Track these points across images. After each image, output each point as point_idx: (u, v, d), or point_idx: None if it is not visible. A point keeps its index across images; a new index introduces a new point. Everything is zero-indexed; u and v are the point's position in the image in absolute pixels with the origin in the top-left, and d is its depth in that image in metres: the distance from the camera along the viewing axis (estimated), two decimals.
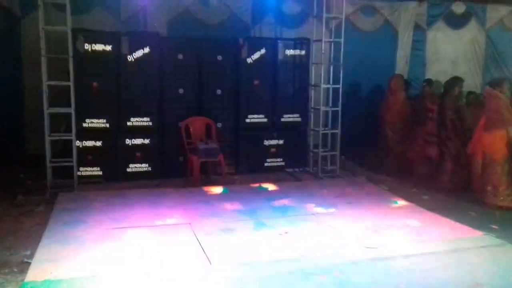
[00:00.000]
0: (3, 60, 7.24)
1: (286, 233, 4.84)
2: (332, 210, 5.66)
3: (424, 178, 7.14)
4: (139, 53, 6.69)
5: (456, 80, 6.93)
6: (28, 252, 4.31)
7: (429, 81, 7.77)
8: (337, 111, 7.51)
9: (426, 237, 4.84)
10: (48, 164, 6.12)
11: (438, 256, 4.34)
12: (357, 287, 3.65)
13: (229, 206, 5.71)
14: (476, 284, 3.78)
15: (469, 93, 7.59)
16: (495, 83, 6.16)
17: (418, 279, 3.84)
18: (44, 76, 6.02)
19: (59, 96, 6.40)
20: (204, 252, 4.32)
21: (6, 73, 7.28)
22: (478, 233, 4.95)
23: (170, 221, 5.16)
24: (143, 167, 6.87)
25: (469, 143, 6.41)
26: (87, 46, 6.46)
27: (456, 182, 6.63)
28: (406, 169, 7.51)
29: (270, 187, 6.63)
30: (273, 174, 7.32)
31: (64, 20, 6.06)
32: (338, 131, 7.53)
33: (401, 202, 6.05)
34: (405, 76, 8.77)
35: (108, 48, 6.57)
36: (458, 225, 5.20)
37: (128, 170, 6.80)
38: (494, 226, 5.23)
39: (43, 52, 6.00)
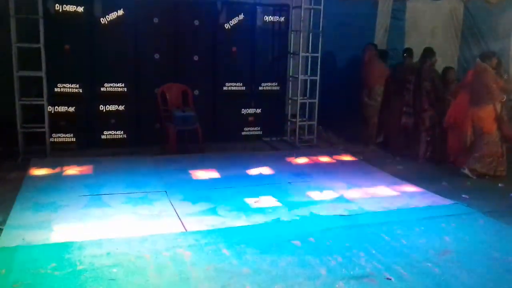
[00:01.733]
0: None
1: (257, 201, 4.86)
2: (308, 179, 5.70)
3: (400, 148, 7.23)
4: (112, 16, 6.47)
5: (429, 52, 6.94)
6: (0, 218, 4.22)
7: (409, 51, 7.73)
8: (316, 80, 7.47)
9: (398, 205, 4.94)
10: (19, 130, 5.95)
11: (409, 223, 4.44)
12: (330, 252, 3.71)
13: (205, 174, 5.69)
14: (445, 250, 3.89)
15: (447, 68, 7.53)
16: (485, 57, 6.21)
17: (389, 245, 3.94)
18: (14, 38, 5.79)
19: (29, 59, 6.15)
20: (180, 219, 4.31)
21: None
22: (448, 202, 5.08)
23: (146, 189, 5.12)
24: (118, 134, 6.75)
25: (446, 115, 6.49)
26: (58, 7, 6.21)
27: (430, 153, 6.74)
28: (384, 139, 7.58)
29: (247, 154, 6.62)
30: (250, 143, 7.31)
31: None
32: (316, 100, 7.52)
33: (375, 171, 6.14)
34: (384, 46, 8.75)
35: (80, 9, 6.33)
36: (430, 194, 5.32)
37: (103, 137, 6.68)
38: (464, 196, 5.37)
39: (11, 12, 5.74)
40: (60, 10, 6.21)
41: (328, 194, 5.17)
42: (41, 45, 5.88)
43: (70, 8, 6.25)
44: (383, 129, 7.67)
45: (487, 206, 4.98)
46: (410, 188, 5.51)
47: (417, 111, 6.85)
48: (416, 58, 7.66)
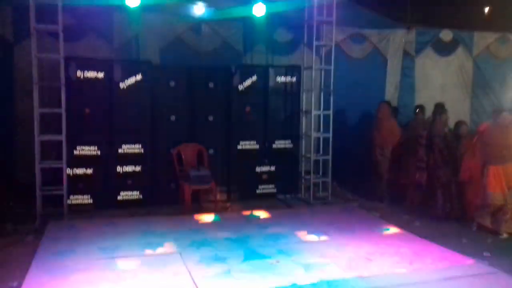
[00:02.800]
0: None
1: (277, 262, 4.80)
2: (324, 238, 5.64)
3: (415, 204, 7.15)
4: (131, 80, 6.74)
5: (440, 108, 7.03)
6: (16, 283, 4.23)
7: (421, 108, 7.82)
8: (328, 137, 7.56)
9: (418, 265, 4.83)
10: (38, 193, 6.05)
11: (430, 285, 4.32)
12: None
13: (220, 234, 5.66)
14: None
15: (459, 122, 7.54)
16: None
17: None
18: (36, 104, 6.02)
19: (50, 123, 6.39)
20: (194, 282, 4.26)
21: None
22: (470, 261, 4.95)
23: (160, 250, 5.11)
24: (134, 194, 6.83)
25: (461, 170, 6.45)
26: (79, 73, 6.49)
27: (447, 209, 6.65)
28: (398, 195, 7.53)
29: (262, 214, 6.61)
30: (265, 201, 7.31)
31: (56, 47, 6.09)
32: (329, 157, 7.56)
33: (393, 229, 6.05)
34: (395, 102, 8.90)
35: (101, 75, 6.61)
36: (450, 253, 5.20)
37: (119, 198, 6.76)
38: (486, 253, 5.24)
39: (35, 79, 6.00)
40: (82, 77, 6.49)
41: (345, 253, 5.09)
42: (62, 110, 6.09)
43: (91, 74, 6.54)
44: (397, 185, 7.62)
45: (511, 265, 4.83)
46: (429, 246, 5.39)
47: (431, 167, 6.82)
48: (427, 113, 7.77)
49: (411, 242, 5.54)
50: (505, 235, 5.91)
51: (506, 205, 5.95)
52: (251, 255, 4.99)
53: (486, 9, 10.00)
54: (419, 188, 7.12)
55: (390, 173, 7.60)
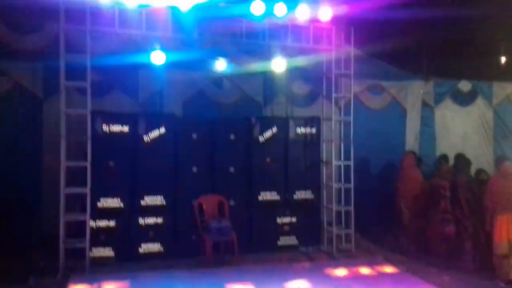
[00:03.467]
0: (23, 141, 7.46)
1: None
2: None
3: (442, 257, 6.94)
4: (155, 133, 6.89)
5: (464, 161, 6.96)
6: None
7: (445, 158, 7.75)
8: (350, 187, 7.50)
9: None
10: (61, 246, 6.07)
11: None
12: None
13: None
14: None
15: (479, 170, 7.47)
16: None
17: None
18: (63, 157, 6.15)
19: (76, 176, 6.51)
20: None
21: (26, 154, 7.44)
22: None
23: None
24: (156, 247, 6.80)
25: (487, 220, 6.29)
26: (105, 127, 6.67)
27: (477, 261, 6.43)
28: (423, 247, 7.33)
29: (284, 266, 6.47)
30: (286, 253, 7.18)
31: (84, 102, 6.31)
32: (351, 208, 7.47)
33: (420, 283, 5.85)
34: (416, 152, 8.83)
35: (126, 128, 6.78)
36: None
37: (141, 250, 6.73)
38: None
39: (62, 134, 6.18)
40: (107, 130, 6.67)
41: None
42: (88, 163, 6.22)
43: (116, 128, 6.72)
44: (423, 237, 7.44)
45: None
46: None
47: (458, 218, 6.67)
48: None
49: None
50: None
51: (510, 255, 5.90)
52: None
53: (503, 60, 10.09)
54: (447, 241, 6.93)
55: (415, 225, 7.43)
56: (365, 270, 6.38)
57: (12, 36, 6.97)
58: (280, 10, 6.56)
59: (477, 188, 6.70)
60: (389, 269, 6.51)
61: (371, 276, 6.16)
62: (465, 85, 9.77)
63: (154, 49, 6.71)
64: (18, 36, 7.03)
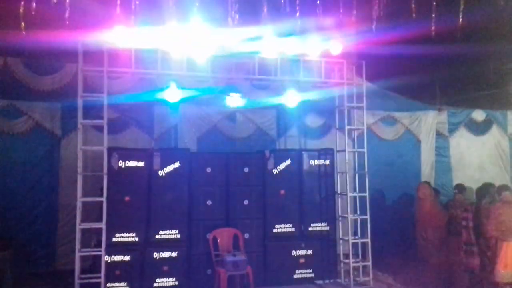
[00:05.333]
0: (41, 177, 7.65)
1: None
2: None
3: None
4: (169, 168, 6.98)
5: (488, 186, 6.87)
6: None
7: (460, 188, 7.66)
8: (366, 219, 7.42)
9: None
10: (77, 281, 6.08)
11: None
12: None
13: None
14: None
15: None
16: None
17: None
18: (79, 193, 6.26)
19: (91, 211, 6.60)
20: None
21: (44, 190, 7.64)
22: None
23: None
24: (170, 281, 6.75)
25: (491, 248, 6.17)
26: (121, 163, 6.79)
27: None
28: (445, 280, 7.12)
29: None
30: (302, 286, 7.07)
31: (100, 139, 6.48)
32: (368, 239, 7.36)
33: None
34: (432, 182, 8.74)
35: (141, 164, 6.88)
36: None
37: (155, 284, 6.69)
38: None
39: (79, 170, 6.31)
40: (123, 166, 6.78)
41: None
42: (104, 198, 6.31)
43: (131, 163, 6.82)
44: (444, 269, 7.25)
45: None
46: None
47: (482, 249, 6.52)
48: (471, 193, 7.55)
49: None
50: None
51: None
52: None
53: None
54: (471, 273, 6.74)
55: (435, 257, 7.25)
56: None
57: (31, 77, 7.28)
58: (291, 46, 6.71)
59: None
60: None
61: None
62: (479, 114, 9.76)
63: (169, 87, 6.89)
64: (38, 77, 7.34)
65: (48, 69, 7.38)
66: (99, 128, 6.62)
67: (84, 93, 6.40)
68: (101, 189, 6.38)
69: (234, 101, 8.34)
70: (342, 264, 7.51)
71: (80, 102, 6.35)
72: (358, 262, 7.43)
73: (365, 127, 7.72)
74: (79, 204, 6.26)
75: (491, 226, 6.12)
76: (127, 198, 6.74)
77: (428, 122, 9.44)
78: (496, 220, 6.05)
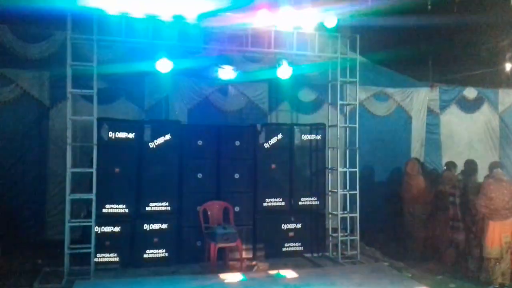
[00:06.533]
0: (30, 147, 7.55)
1: None
2: None
3: (451, 264, 6.89)
4: (160, 140, 6.91)
5: (474, 167, 6.94)
6: None
7: (449, 165, 7.72)
8: (355, 194, 7.48)
9: None
10: (66, 251, 6.09)
11: None
12: None
13: None
14: None
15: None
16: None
17: None
18: (69, 164, 6.20)
19: (81, 182, 6.56)
20: None
21: (33, 160, 7.55)
22: None
23: None
24: (160, 252, 6.80)
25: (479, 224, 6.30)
26: (111, 134, 6.70)
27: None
28: (431, 255, 7.27)
29: (289, 274, 6.45)
30: (291, 259, 7.16)
31: (90, 109, 6.37)
32: (357, 214, 7.44)
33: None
34: (421, 159, 8.81)
35: (131, 135, 6.81)
36: None
37: (145, 256, 6.73)
38: None
39: (69, 140, 6.22)
40: (113, 137, 6.70)
41: None
42: (94, 169, 6.25)
43: (122, 134, 6.74)
44: (430, 244, 7.40)
45: None
46: None
47: (468, 225, 6.63)
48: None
49: None
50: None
51: (502, 259, 5.97)
52: None
53: (508, 67, 10.10)
54: (456, 247, 6.89)
55: (421, 231, 7.38)
56: (370, 277, 6.34)
57: (19, 44, 7.09)
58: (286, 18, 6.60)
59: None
60: (394, 276, 6.47)
61: (376, 281, 6.11)
62: (471, 92, 9.77)
63: (160, 57, 6.76)
64: (26, 45, 7.16)
65: (36, 36, 7.19)
66: (89, 98, 6.50)
67: (73, 61, 6.25)
68: (91, 160, 6.32)
69: (226, 73, 8.24)
70: (330, 238, 7.60)
71: (68, 71, 6.21)
72: (346, 236, 7.53)
73: (357, 103, 7.68)
74: (68, 175, 6.21)
75: (480, 202, 6.18)
76: (117, 170, 6.69)
77: (420, 98, 9.44)
78: (486, 197, 6.12)
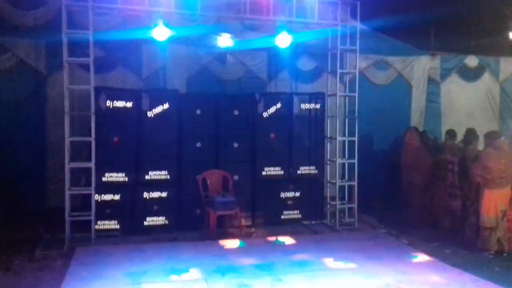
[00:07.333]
0: (28, 117, 7.53)
1: None
2: (351, 265, 5.54)
3: (447, 231, 6.98)
4: (158, 109, 6.89)
5: (473, 135, 6.93)
6: None
7: (451, 133, 7.71)
8: (354, 163, 7.50)
9: None
10: (67, 218, 6.17)
11: None
12: None
13: (245, 260, 5.63)
14: None
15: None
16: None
17: None
18: (67, 133, 6.20)
19: (80, 151, 6.57)
20: None
21: (31, 129, 7.54)
22: None
23: (186, 276, 5.11)
24: (160, 220, 6.88)
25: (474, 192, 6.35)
26: (108, 103, 6.68)
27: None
28: (428, 222, 7.36)
29: (287, 240, 6.55)
30: (290, 227, 7.26)
31: (87, 78, 6.32)
32: (355, 183, 7.49)
33: (422, 257, 5.90)
34: (421, 128, 8.80)
35: (129, 104, 6.79)
36: (482, 282, 5.02)
37: (145, 223, 6.82)
38: None
39: (66, 109, 6.21)
40: (111, 106, 6.68)
41: (373, 281, 4.98)
42: (92, 138, 6.26)
43: (120, 103, 6.72)
44: (427, 211, 7.47)
45: None
46: (461, 276, 5.22)
47: (465, 193, 6.68)
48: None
49: (441, 271, 5.39)
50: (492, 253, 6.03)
51: (497, 227, 6.03)
52: (276, 282, 4.93)
53: (511, 35, 9.94)
54: (452, 214, 6.97)
55: (419, 199, 7.45)
56: (367, 243, 6.44)
57: (14, 11, 6.96)
58: None
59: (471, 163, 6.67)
60: (390, 242, 6.58)
61: (373, 248, 6.22)
62: (472, 60, 9.66)
63: (157, 25, 6.65)
64: (21, 12, 7.02)
65: (31, 3, 7.05)
66: (86, 67, 6.43)
67: (68, 29, 6.17)
68: (89, 130, 6.32)
69: (225, 41, 8.12)
70: (328, 206, 7.68)
71: (64, 39, 6.15)
72: (344, 204, 7.60)
73: (357, 71, 7.61)
74: (67, 144, 6.22)
75: (476, 171, 6.20)
76: (115, 139, 6.71)
77: (420, 67, 9.35)
78: (482, 166, 6.12)
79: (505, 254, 6.02)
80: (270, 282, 4.92)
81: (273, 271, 5.26)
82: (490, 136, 6.50)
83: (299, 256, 5.81)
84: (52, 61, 7.43)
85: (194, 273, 5.21)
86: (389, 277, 5.09)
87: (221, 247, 6.18)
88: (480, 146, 6.96)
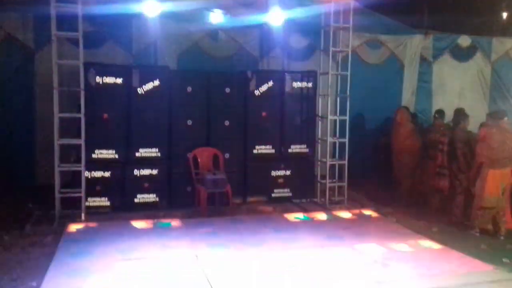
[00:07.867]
0: (16, 92, 7.42)
1: (293, 266, 4.80)
2: (340, 242, 5.61)
3: (435, 210, 7.08)
4: (149, 86, 6.81)
5: (462, 114, 6.96)
6: (35, 283, 4.33)
7: (440, 113, 7.75)
8: (344, 142, 7.53)
9: (436, 271, 4.77)
10: (57, 195, 6.15)
11: None
12: None
13: (235, 237, 5.68)
14: None
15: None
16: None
17: None
18: (56, 109, 6.13)
19: (70, 127, 6.51)
20: (211, 285, 4.29)
21: (19, 105, 7.45)
22: (489, 267, 4.88)
23: (177, 252, 5.15)
24: (151, 197, 6.89)
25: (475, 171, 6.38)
26: (98, 79, 6.59)
27: (468, 215, 6.54)
28: (417, 201, 7.46)
29: (277, 217, 6.60)
30: (280, 205, 7.31)
31: (76, 53, 6.21)
32: (345, 162, 7.53)
33: (410, 235, 5.99)
34: (412, 108, 8.83)
35: (119, 80, 6.70)
36: (468, 259, 5.12)
37: (136, 200, 6.83)
38: (505, 260, 5.15)
39: (55, 85, 6.12)
40: (101, 82, 6.60)
41: (361, 258, 5.06)
42: (82, 115, 6.20)
43: (109, 80, 6.63)
44: (416, 191, 7.57)
45: None
46: (447, 253, 5.32)
47: (454, 173, 6.75)
48: (447, 118, 7.68)
49: (428, 248, 5.48)
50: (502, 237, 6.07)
51: (497, 208, 6.08)
52: (267, 259, 4.99)
53: (504, 15, 9.92)
54: (440, 194, 7.05)
55: (409, 179, 7.52)
56: (356, 221, 6.53)
57: None
58: None
59: (474, 143, 6.71)
60: (379, 220, 6.68)
61: (361, 226, 6.31)
62: (464, 40, 9.64)
63: None
64: None
65: None
66: (75, 42, 6.31)
67: (57, 2, 6.02)
68: (79, 106, 6.25)
69: (216, 18, 8.00)
70: (319, 185, 7.73)
71: (53, 12, 6.01)
72: (334, 182, 7.65)
73: (349, 50, 7.56)
74: (56, 120, 6.16)
75: (482, 151, 6.14)
76: (105, 115, 6.63)
77: (413, 46, 9.30)
78: (488, 147, 6.07)
79: (502, 237, 6.05)
80: (261, 259, 4.97)
81: (263, 248, 5.31)
82: (494, 116, 6.42)
83: (290, 233, 5.87)
84: (40, 35, 7.31)
85: (185, 249, 5.24)
86: (376, 254, 5.17)
87: (211, 224, 6.22)
88: (471, 126, 7.00)
